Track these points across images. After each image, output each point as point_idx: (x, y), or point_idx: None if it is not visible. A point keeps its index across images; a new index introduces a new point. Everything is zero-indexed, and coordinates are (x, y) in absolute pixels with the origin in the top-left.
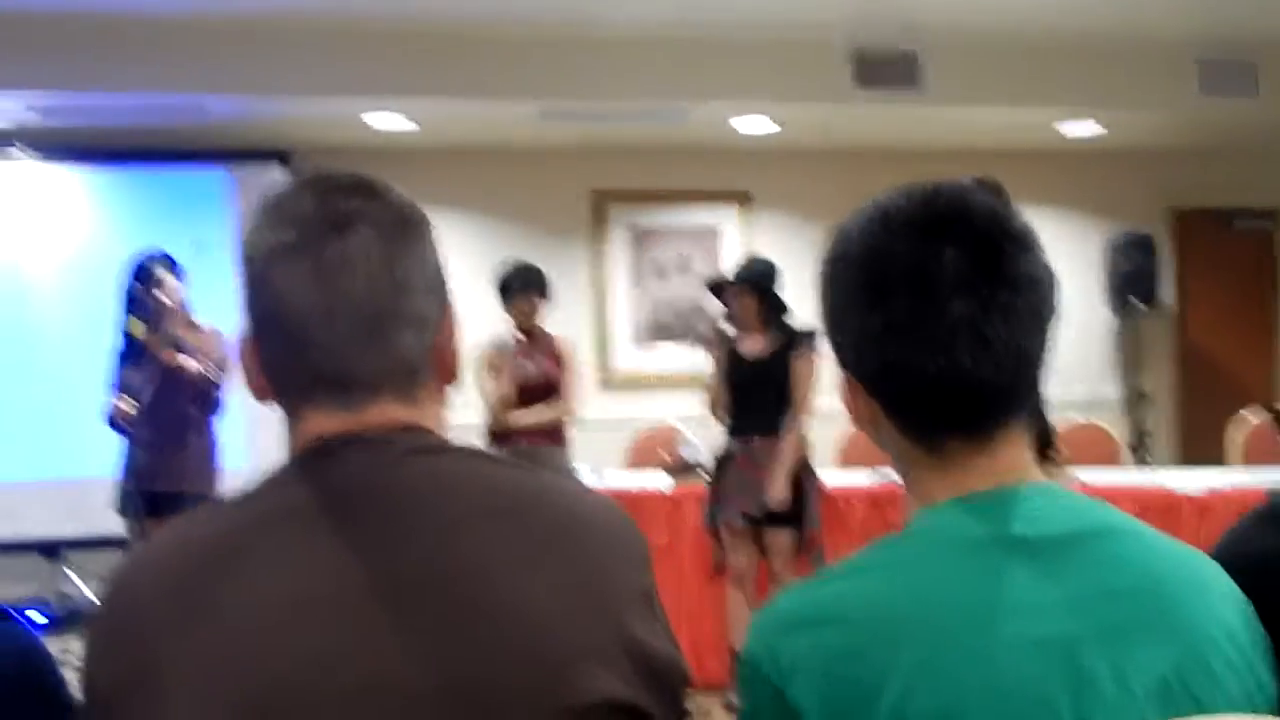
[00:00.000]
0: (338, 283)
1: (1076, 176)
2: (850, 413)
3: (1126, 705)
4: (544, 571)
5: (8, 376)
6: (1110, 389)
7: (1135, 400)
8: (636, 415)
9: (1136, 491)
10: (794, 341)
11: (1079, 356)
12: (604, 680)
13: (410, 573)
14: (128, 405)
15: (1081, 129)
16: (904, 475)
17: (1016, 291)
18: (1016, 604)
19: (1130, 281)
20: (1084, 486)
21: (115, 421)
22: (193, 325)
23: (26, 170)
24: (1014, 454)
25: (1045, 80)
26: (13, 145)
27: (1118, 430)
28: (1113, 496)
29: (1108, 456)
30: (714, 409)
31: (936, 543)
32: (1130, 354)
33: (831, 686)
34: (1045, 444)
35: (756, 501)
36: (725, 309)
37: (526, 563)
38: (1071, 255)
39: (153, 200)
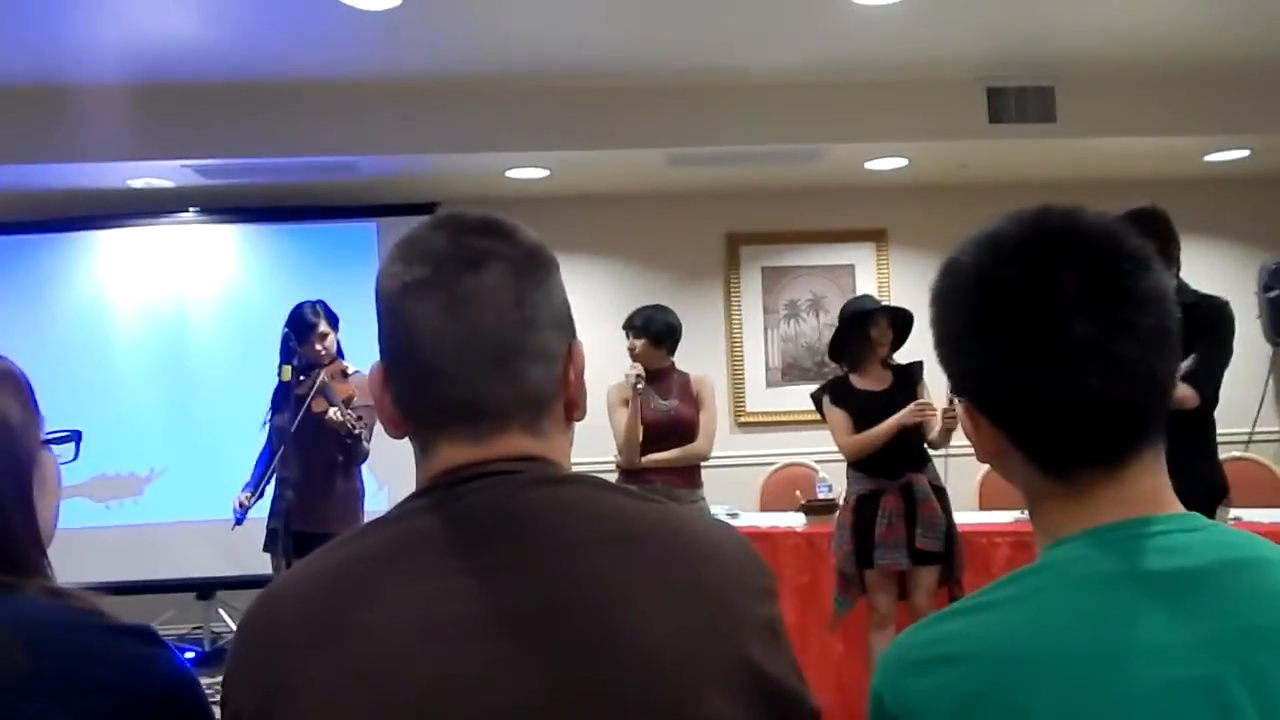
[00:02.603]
0: (469, 316)
1: (1225, 204)
2: (974, 445)
3: None
4: (666, 599)
5: (171, 421)
6: (1270, 423)
7: None
8: (769, 455)
9: None
10: (912, 374)
11: (1235, 390)
12: (723, 709)
13: (533, 599)
14: (238, 502)
15: (1227, 155)
16: (1032, 508)
17: (1140, 310)
18: (1151, 645)
19: None
20: (1244, 526)
21: (236, 510)
22: (344, 374)
23: (190, 228)
24: (1149, 482)
25: (1187, 108)
26: (187, 210)
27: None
28: (1274, 537)
29: (1269, 495)
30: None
31: (1065, 579)
32: None
33: None
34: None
35: (935, 536)
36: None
37: (648, 590)
38: (1224, 285)
39: (305, 253)
